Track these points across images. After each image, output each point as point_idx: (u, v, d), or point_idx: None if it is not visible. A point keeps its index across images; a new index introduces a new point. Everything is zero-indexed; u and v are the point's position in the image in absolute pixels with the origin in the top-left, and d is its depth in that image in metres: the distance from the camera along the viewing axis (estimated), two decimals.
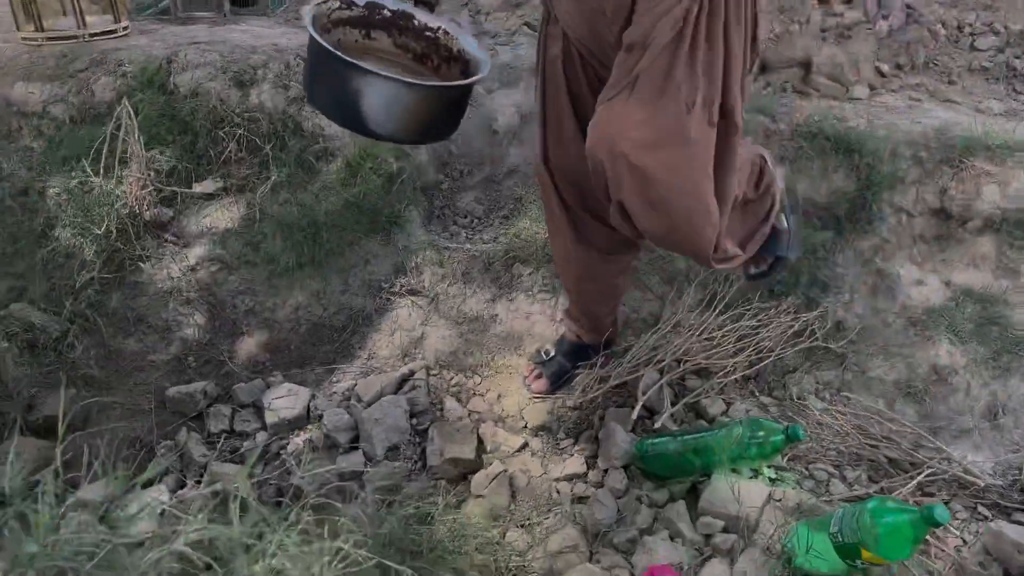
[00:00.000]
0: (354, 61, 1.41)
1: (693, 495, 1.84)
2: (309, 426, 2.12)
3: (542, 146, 1.80)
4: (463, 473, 1.99)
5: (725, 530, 1.72)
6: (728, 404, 2.07)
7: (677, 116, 1.44)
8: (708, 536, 1.71)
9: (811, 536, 1.60)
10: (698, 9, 1.41)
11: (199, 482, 1.97)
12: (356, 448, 2.04)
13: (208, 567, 0.97)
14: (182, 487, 1.98)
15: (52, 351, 2.24)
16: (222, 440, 2.07)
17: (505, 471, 1.95)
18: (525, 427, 2.10)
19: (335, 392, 2.24)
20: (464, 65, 1.68)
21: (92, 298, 2.34)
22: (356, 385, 2.23)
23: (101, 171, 2.41)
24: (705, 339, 2.11)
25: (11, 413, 2.04)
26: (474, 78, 1.54)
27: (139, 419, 2.14)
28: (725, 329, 2.12)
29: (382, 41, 1.71)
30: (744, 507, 1.71)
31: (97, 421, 2.07)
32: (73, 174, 2.44)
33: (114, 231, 2.40)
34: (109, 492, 1.58)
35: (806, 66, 2.88)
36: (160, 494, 1.93)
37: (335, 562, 1.08)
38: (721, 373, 2.09)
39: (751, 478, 1.82)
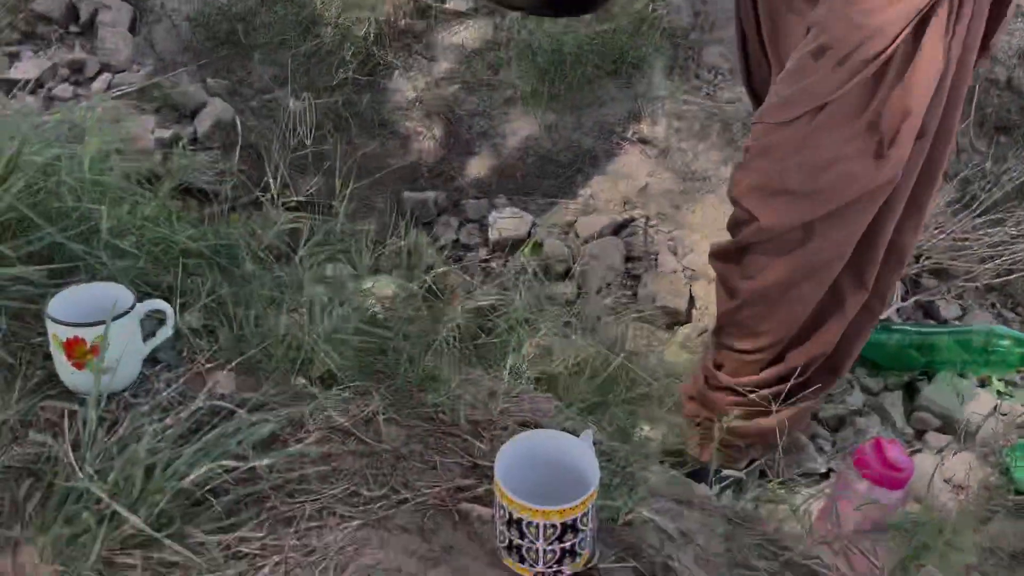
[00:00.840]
0: None
1: (908, 391, 1.78)
2: (528, 251, 2.20)
3: (743, 63, 1.53)
4: (670, 323, 2.02)
5: (940, 430, 1.67)
6: (964, 311, 1.95)
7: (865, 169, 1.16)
8: (921, 432, 1.67)
9: None
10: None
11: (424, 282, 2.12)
12: (570, 278, 2.11)
13: (489, 331, 1.06)
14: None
15: (305, 139, 2.41)
16: (449, 248, 2.19)
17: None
18: None
19: (555, 224, 2.29)
20: None
21: (345, 97, 2.47)
22: (576, 221, 2.27)
23: None
24: (953, 239, 1.98)
25: (268, 192, 2.24)
26: None
27: (374, 216, 2.30)
28: (979, 232, 1.97)
29: None
30: (967, 412, 1.65)
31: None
32: None
33: (372, 35, 2.50)
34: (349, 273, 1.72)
35: None
36: (389, 284, 2.10)
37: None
38: (964, 277, 1.96)
39: (979, 387, 1.74)
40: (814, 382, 1.36)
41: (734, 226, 1.31)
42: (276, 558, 0.74)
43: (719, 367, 1.43)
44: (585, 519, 0.71)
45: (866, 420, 1.67)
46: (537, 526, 0.70)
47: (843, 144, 1.16)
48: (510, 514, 0.71)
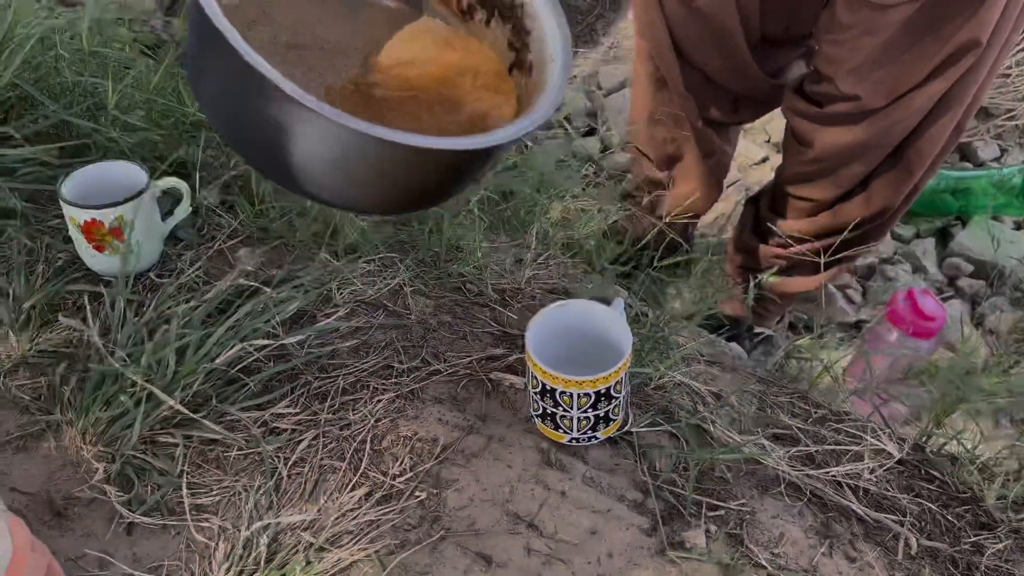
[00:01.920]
0: (285, 86, 0.60)
1: (941, 237, 1.74)
2: None
3: None
4: None
5: (973, 276, 1.64)
6: (1003, 151, 1.87)
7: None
8: (953, 278, 1.65)
9: None
10: None
11: None
12: (592, 134, 2.04)
13: (511, 194, 1.03)
14: None
15: None
16: None
17: (741, 180, 1.91)
18: (768, 141, 2.01)
19: (575, 76, 2.20)
20: (517, 30, 0.80)
21: None
22: (598, 72, 2.18)
23: None
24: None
25: None
26: (511, 131, 0.66)
27: None
28: (1022, 68, 1.86)
29: None
30: (1001, 256, 1.62)
31: None
32: None
33: None
34: None
35: None
36: None
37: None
38: (1004, 115, 1.87)
39: (1015, 230, 1.70)
40: (866, 238, 1.33)
41: (823, 97, 1.23)
42: (313, 432, 0.75)
43: (774, 211, 1.40)
44: (619, 386, 0.71)
45: (897, 269, 1.64)
46: (571, 395, 0.70)
47: (952, 16, 1.07)
48: (543, 384, 0.71)
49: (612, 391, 0.71)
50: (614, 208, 1.38)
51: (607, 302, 0.87)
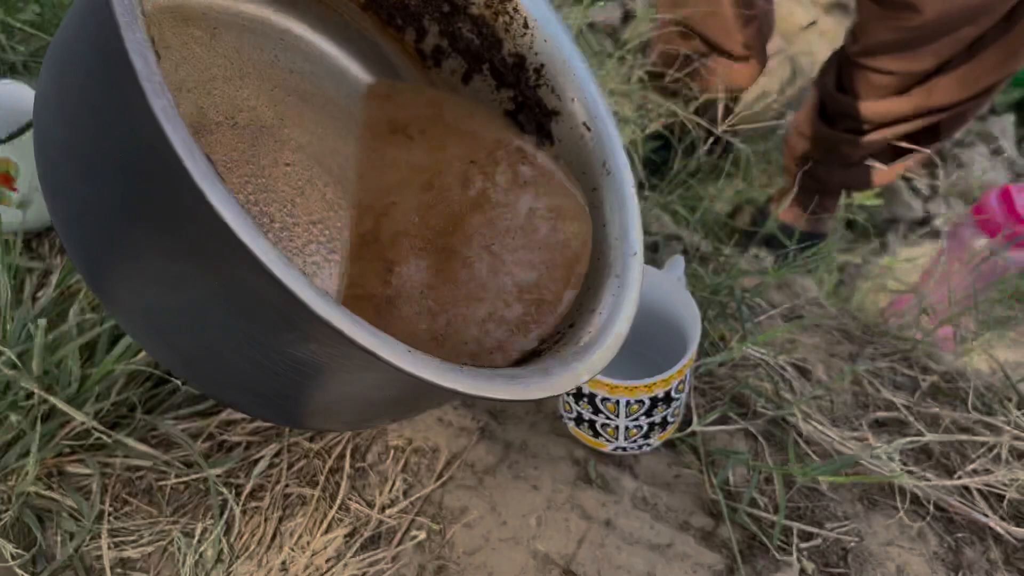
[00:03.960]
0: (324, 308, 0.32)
1: (1020, 112, 1.50)
2: None
3: None
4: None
5: None
6: None
7: None
8: None
9: None
10: None
11: None
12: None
13: None
14: None
15: None
16: None
17: (784, 49, 1.66)
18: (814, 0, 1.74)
19: None
20: (529, 106, 0.53)
21: None
22: None
23: None
24: None
25: None
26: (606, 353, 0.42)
27: None
28: None
29: None
30: None
31: None
32: None
33: None
34: None
35: None
36: None
37: None
38: None
39: None
40: (961, 118, 1.09)
41: None
42: (274, 446, 0.57)
43: (843, 90, 1.15)
44: (681, 386, 0.52)
45: (973, 153, 1.41)
46: (617, 403, 0.51)
47: None
48: (579, 388, 0.52)
49: (672, 392, 0.52)
50: (635, 89, 1.14)
51: (658, 260, 0.67)
